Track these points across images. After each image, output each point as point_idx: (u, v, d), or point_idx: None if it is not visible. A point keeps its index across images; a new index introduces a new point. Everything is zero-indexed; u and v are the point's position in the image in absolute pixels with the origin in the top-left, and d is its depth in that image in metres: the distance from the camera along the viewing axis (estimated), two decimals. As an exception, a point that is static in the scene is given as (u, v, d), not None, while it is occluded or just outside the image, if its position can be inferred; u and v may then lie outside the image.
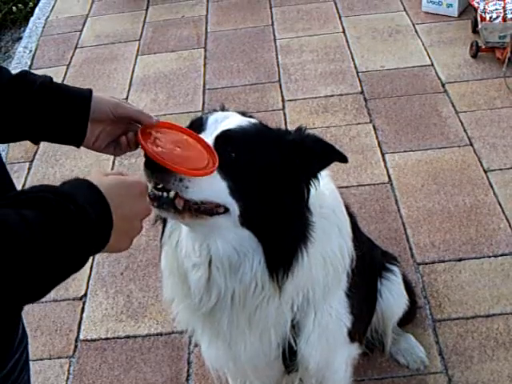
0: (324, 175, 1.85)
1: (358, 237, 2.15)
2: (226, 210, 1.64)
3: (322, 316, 1.97)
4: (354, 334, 2.19)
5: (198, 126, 1.72)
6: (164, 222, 1.89)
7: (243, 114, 1.85)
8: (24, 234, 1.03)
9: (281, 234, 1.70)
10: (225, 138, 1.65)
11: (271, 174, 1.68)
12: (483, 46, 4.61)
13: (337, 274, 1.93)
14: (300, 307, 1.89)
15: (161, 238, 1.91)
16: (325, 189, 1.90)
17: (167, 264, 1.93)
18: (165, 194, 1.56)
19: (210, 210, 1.63)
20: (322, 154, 1.76)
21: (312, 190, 1.75)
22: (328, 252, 1.87)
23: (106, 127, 1.65)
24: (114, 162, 4.11)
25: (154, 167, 1.50)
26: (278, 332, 1.92)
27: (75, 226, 1.10)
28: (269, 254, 1.71)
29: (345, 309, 2.05)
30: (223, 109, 1.91)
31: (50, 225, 1.07)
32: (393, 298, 2.53)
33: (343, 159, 1.78)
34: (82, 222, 1.12)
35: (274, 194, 1.68)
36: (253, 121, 1.78)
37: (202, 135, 1.65)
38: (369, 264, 2.35)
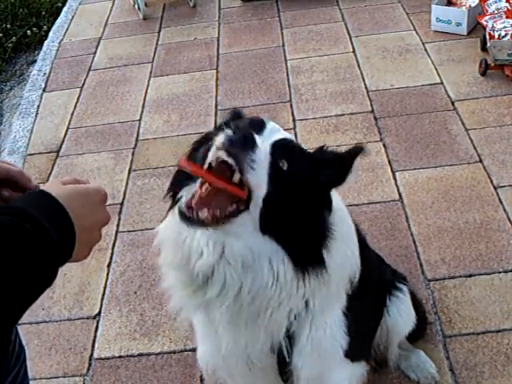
0: (332, 194, 1.88)
1: (366, 254, 2.16)
2: (247, 208, 1.65)
3: (316, 331, 1.98)
4: (356, 354, 2.19)
5: (254, 124, 1.74)
6: (174, 194, 1.85)
7: None
8: None
9: (304, 240, 1.73)
10: (282, 145, 1.70)
11: (305, 186, 1.73)
12: (492, 64, 4.64)
13: (337, 290, 1.95)
14: (297, 316, 1.90)
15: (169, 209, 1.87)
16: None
17: (168, 233, 1.85)
18: (194, 213, 1.58)
19: (232, 211, 1.63)
20: (344, 161, 1.80)
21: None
22: (332, 267, 1.87)
23: None
24: (127, 183, 4.16)
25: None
26: (269, 337, 1.93)
27: (33, 246, 1.07)
28: (294, 257, 1.72)
29: (341, 329, 2.04)
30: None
31: (5, 248, 1.03)
32: (400, 315, 2.52)
33: (361, 150, 1.79)
34: (41, 239, 1.08)
35: (300, 203, 1.71)
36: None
37: (257, 137, 1.64)
38: (377, 281, 2.37)
